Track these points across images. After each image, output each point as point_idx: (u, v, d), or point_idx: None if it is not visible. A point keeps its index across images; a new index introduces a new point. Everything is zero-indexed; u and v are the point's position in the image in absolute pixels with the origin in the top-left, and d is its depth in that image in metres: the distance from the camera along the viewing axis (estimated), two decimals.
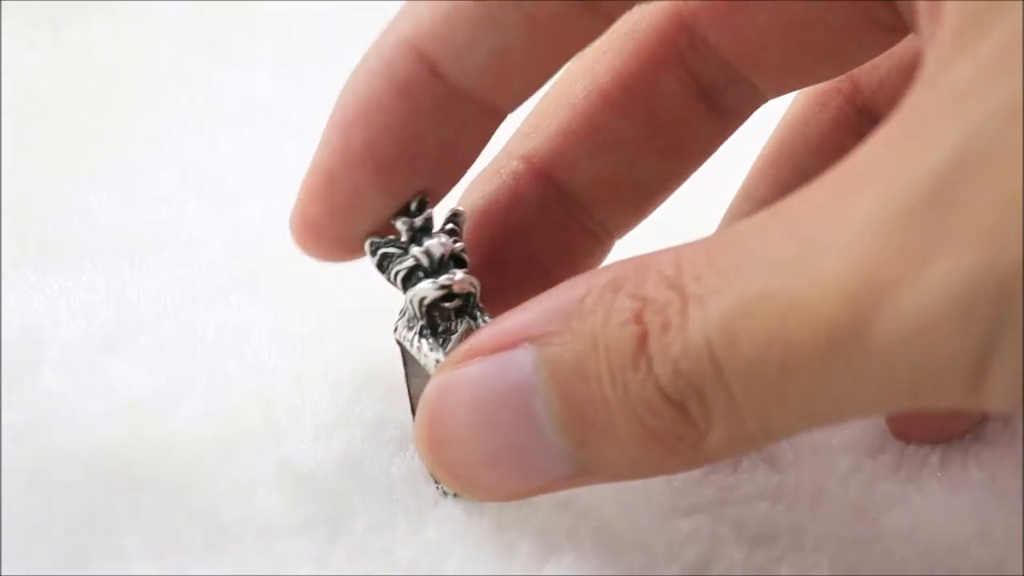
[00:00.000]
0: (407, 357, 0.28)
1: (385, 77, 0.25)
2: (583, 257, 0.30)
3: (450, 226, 0.27)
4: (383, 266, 0.27)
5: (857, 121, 0.31)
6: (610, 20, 0.26)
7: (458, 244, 0.27)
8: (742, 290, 0.20)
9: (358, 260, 0.28)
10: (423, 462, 0.25)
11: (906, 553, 0.27)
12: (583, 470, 0.23)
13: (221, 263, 0.34)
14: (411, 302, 0.27)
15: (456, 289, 0.26)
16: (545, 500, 0.27)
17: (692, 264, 0.21)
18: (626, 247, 0.31)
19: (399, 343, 0.27)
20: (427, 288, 0.26)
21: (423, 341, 0.26)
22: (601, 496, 0.27)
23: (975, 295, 0.18)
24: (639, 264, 0.22)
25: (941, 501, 0.28)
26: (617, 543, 0.26)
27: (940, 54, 0.20)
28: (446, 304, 0.26)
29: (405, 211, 0.26)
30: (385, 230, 0.27)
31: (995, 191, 0.18)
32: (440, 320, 0.27)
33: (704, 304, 0.21)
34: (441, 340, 0.27)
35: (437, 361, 0.26)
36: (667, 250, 0.22)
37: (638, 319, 0.21)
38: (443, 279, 0.26)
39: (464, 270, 0.27)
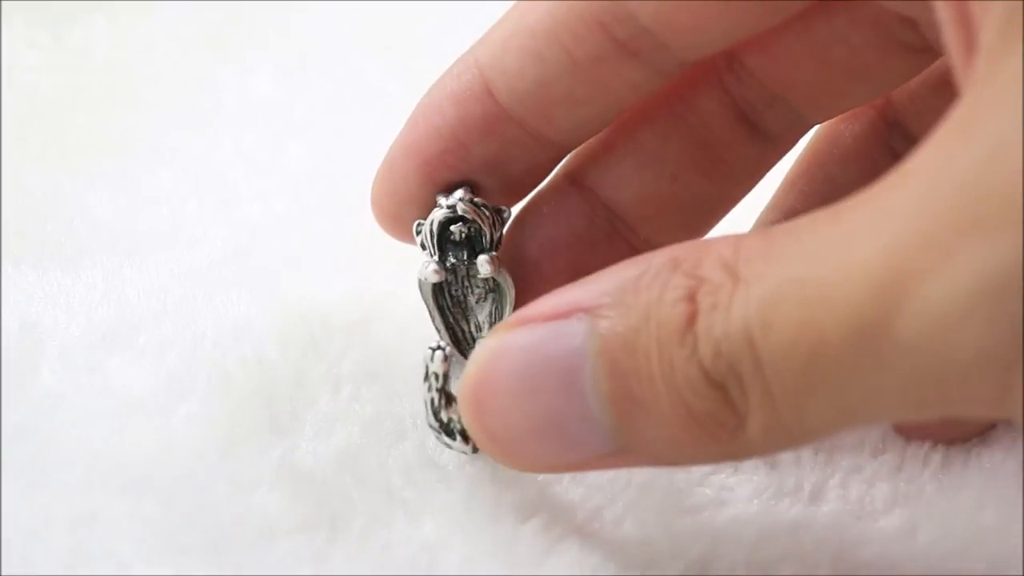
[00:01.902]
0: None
1: (449, 86, 0.27)
2: None
3: (490, 211, 0.28)
4: (424, 244, 0.29)
5: (888, 134, 0.31)
6: (662, 75, 0.27)
7: (480, 200, 0.28)
8: (780, 276, 0.20)
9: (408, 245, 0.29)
10: (465, 424, 0.25)
11: (906, 554, 0.27)
12: (623, 448, 0.23)
13: (221, 262, 0.34)
14: (425, 233, 0.28)
15: (460, 211, 0.28)
16: (546, 498, 0.27)
17: (748, 249, 0.21)
18: None
19: (424, 301, 0.29)
20: (436, 212, 0.28)
21: (426, 259, 0.28)
22: (603, 494, 0.27)
23: (1002, 288, 0.18)
24: (700, 245, 0.22)
25: (942, 502, 0.28)
26: (618, 541, 0.25)
27: (988, 54, 0.20)
28: (453, 228, 0.28)
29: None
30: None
31: None
32: (451, 249, 0.28)
33: (749, 288, 0.21)
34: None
35: (427, 264, 0.28)
36: (730, 236, 0.22)
37: (691, 298, 0.22)
38: (450, 200, 0.28)
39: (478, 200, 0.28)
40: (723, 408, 0.21)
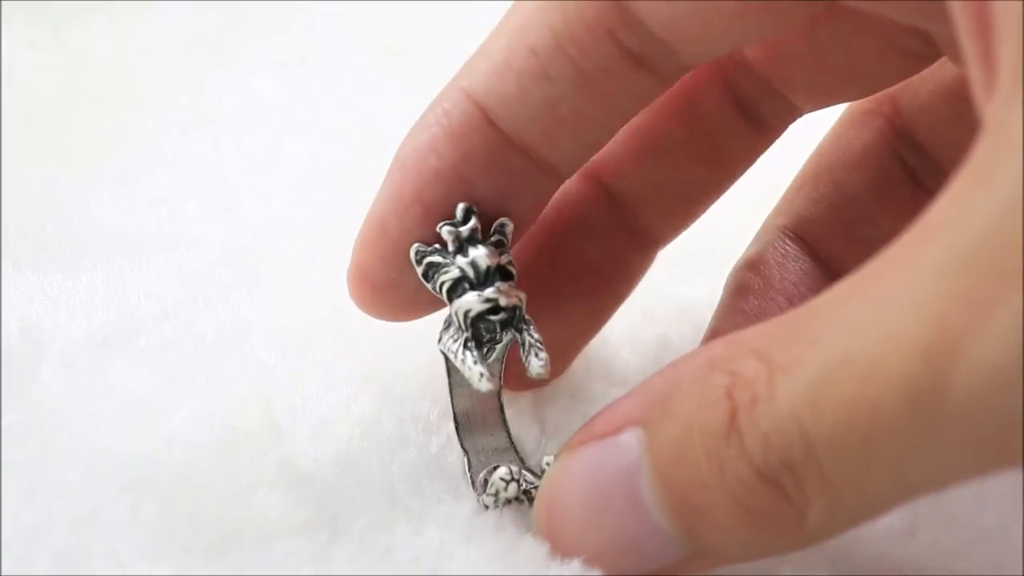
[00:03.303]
0: (451, 369, 0.28)
1: (440, 124, 0.26)
2: (630, 261, 0.30)
3: (496, 236, 0.27)
4: (428, 275, 0.26)
5: (896, 142, 0.31)
6: (664, 83, 0.26)
7: (504, 256, 0.27)
8: (824, 357, 0.20)
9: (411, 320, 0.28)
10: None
11: (907, 554, 0.27)
12: (698, 553, 0.23)
13: (221, 263, 0.34)
14: (456, 315, 0.26)
15: (503, 303, 0.26)
16: None
17: (780, 336, 0.21)
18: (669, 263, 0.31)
19: (444, 354, 0.27)
20: (473, 301, 0.26)
21: (467, 354, 0.26)
22: None
23: None
24: (732, 341, 0.22)
25: (941, 503, 0.28)
26: None
27: (1005, 99, 0.19)
28: (492, 317, 0.26)
29: (452, 220, 0.26)
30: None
31: None
32: (486, 332, 0.26)
33: (790, 374, 0.21)
34: (486, 351, 0.27)
35: (481, 375, 0.26)
36: (759, 325, 0.22)
37: (729, 395, 0.21)
38: (489, 292, 0.26)
39: (510, 283, 0.26)
40: (780, 502, 0.21)
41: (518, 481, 0.26)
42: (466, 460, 0.28)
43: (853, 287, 0.21)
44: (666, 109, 0.29)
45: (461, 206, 0.26)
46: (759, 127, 0.30)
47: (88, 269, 0.33)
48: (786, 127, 0.30)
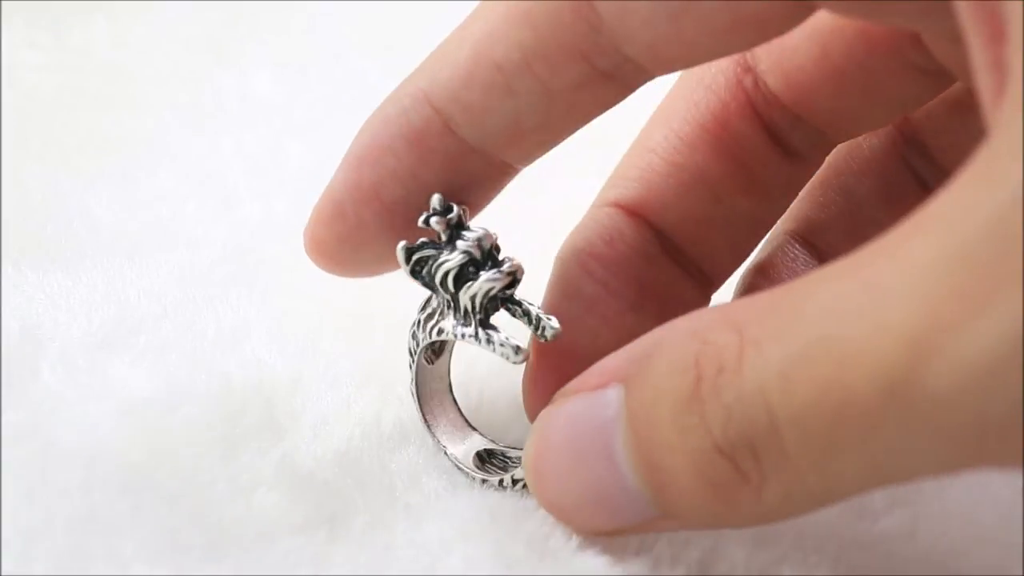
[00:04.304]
0: (420, 365, 0.28)
1: (399, 124, 0.26)
2: (684, 297, 0.30)
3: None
4: (419, 270, 0.26)
5: (905, 148, 0.31)
6: (628, 89, 0.26)
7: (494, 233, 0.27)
8: (803, 336, 0.20)
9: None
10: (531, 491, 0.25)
11: (907, 554, 0.27)
12: (665, 514, 0.23)
13: (221, 263, 0.34)
14: (472, 298, 0.26)
15: (519, 276, 0.26)
16: None
17: (757, 310, 0.21)
18: None
19: (429, 343, 0.27)
20: (493, 280, 0.26)
21: (492, 333, 0.26)
22: None
23: None
24: (716, 310, 0.22)
25: (941, 502, 0.28)
26: (620, 544, 0.26)
27: (1013, 101, 0.19)
28: (509, 291, 0.26)
29: (429, 212, 0.26)
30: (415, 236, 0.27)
31: None
32: (491, 310, 0.26)
33: (762, 349, 0.20)
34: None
35: (517, 348, 0.26)
36: (743, 299, 0.22)
37: (697, 363, 0.21)
38: (507, 267, 0.26)
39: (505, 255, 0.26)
40: (735, 476, 0.21)
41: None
42: (432, 437, 0.28)
43: (841, 270, 0.21)
44: (702, 144, 0.29)
45: (437, 197, 0.26)
46: (794, 157, 0.29)
47: (88, 269, 0.33)
48: (823, 156, 0.30)
